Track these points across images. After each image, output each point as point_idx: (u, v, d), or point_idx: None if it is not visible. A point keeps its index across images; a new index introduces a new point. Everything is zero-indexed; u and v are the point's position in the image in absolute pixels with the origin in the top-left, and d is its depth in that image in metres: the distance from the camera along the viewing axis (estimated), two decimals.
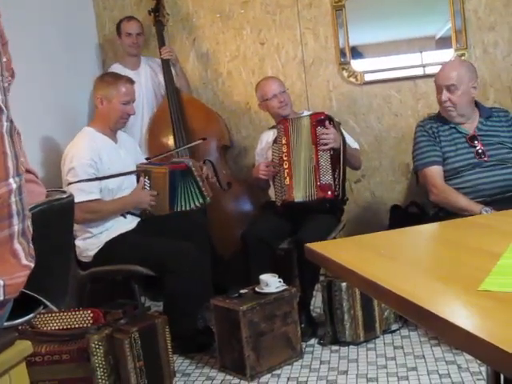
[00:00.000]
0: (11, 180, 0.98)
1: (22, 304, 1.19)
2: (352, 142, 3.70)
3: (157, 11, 4.22)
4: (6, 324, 1.16)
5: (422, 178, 3.40)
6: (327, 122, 3.52)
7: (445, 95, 3.27)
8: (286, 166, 3.54)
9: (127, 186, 3.40)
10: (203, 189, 3.55)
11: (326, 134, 3.49)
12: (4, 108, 0.97)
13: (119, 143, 3.47)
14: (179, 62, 4.24)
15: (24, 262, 1.04)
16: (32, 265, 1.06)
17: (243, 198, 4.11)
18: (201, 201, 3.54)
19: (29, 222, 1.07)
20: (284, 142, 3.57)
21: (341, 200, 3.56)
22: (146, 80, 4.24)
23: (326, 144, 3.48)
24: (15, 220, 1.00)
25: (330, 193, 3.47)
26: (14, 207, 0.99)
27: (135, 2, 4.47)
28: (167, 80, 4.14)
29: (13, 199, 0.99)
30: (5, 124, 0.98)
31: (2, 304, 1.04)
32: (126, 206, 3.38)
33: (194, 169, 3.52)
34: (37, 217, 1.14)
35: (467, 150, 3.28)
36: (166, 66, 4.14)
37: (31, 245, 1.07)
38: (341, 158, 3.50)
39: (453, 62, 3.62)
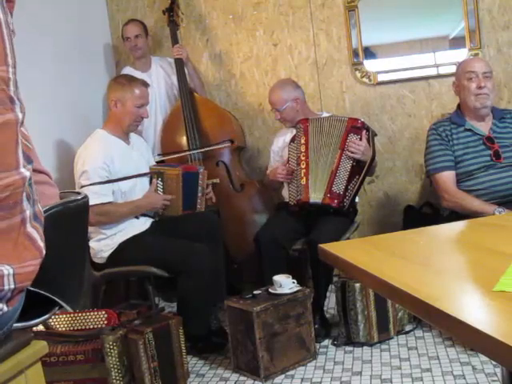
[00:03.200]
0: (22, 169, 0.99)
1: (38, 305, 1.19)
2: None
3: (171, 11, 4.22)
4: (21, 325, 1.16)
5: (433, 183, 3.39)
6: (364, 132, 3.44)
7: (483, 81, 3.24)
8: (303, 166, 3.53)
9: (140, 187, 3.41)
10: (198, 200, 3.55)
11: (358, 144, 3.42)
12: (16, 99, 0.99)
13: (131, 145, 3.48)
14: (191, 62, 4.23)
15: (40, 243, 1.05)
16: (44, 252, 1.07)
17: (256, 199, 4.11)
18: (192, 209, 3.54)
19: (40, 206, 1.08)
20: (303, 141, 3.55)
21: (346, 211, 3.51)
22: (157, 81, 4.24)
23: (352, 153, 3.42)
24: (25, 205, 1.01)
25: (336, 201, 3.44)
26: (24, 193, 1.01)
27: (148, 4, 4.49)
28: (180, 80, 4.12)
29: (25, 186, 1.00)
30: (19, 115, 0.99)
31: (12, 293, 1.04)
32: (139, 209, 3.39)
33: (201, 176, 3.53)
34: (53, 218, 1.15)
35: (482, 151, 3.25)
36: (179, 65, 4.12)
37: (42, 228, 1.07)
38: (362, 173, 3.44)
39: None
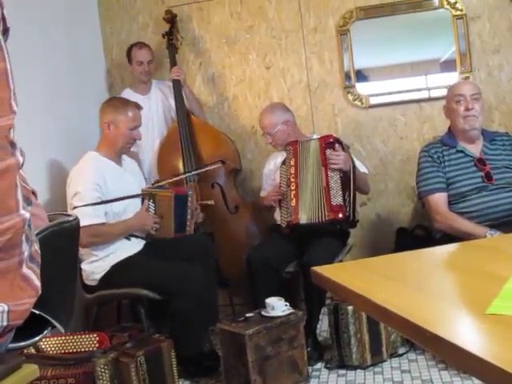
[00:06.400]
0: (22, 211, 1.01)
1: (28, 326, 1.19)
2: (361, 166, 3.67)
3: (170, 34, 4.25)
4: (11, 346, 1.16)
5: (425, 205, 3.40)
6: (336, 145, 3.50)
7: (471, 103, 3.27)
8: (293, 188, 3.54)
9: (133, 209, 3.40)
10: (188, 223, 3.53)
11: (336, 155, 3.47)
12: (16, 144, 1.00)
13: (124, 167, 3.48)
14: (188, 85, 4.25)
15: (36, 282, 1.06)
16: (40, 291, 1.08)
17: (250, 221, 4.10)
18: (183, 232, 3.51)
19: (36, 246, 1.09)
20: (292, 163, 3.57)
21: (352, 222, 3.54)
22: (156, 104, 4.25)
23: (335, 165, 3.46)
24: (24, 246, 1.02)
25: (341, 215, 3.43)
26: (23, 235, 1.02)
27: (142, 27, 4.51)
28: (177, 101, 4.13)
29: (24, 228, 1.02)
30: (20, 159, 1.01)
31: (4, 330, 1.04)
32: (130, 229, 3.38)
33: (189, 199, 3.53)
34: (49, 238, 1.16)
35: (474, 173, 3.27)
36: (177, 87, 4.14)
37: (38, 269, 1.08)
38: (351, 181, 3.47)
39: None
